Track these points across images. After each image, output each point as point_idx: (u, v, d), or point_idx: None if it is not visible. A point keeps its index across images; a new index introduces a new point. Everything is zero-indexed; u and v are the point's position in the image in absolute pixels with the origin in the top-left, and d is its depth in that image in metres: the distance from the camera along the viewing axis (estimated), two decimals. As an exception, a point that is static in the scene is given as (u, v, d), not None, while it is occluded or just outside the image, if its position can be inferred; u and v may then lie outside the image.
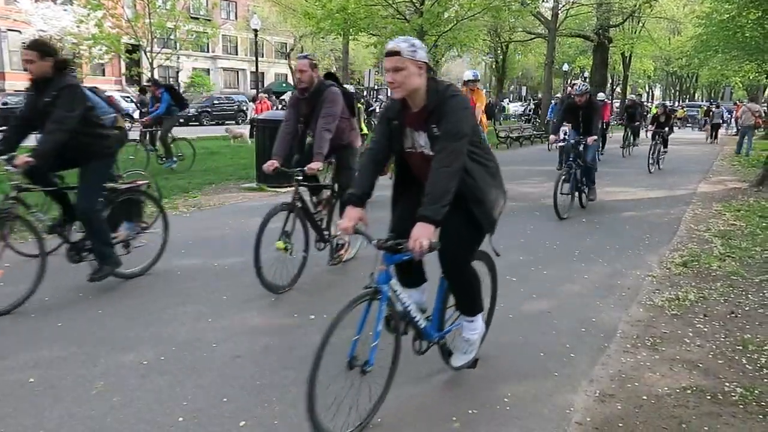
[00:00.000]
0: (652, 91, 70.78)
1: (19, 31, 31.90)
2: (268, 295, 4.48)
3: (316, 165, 4.61)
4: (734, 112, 27.03)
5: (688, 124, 37.48)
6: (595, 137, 8.18)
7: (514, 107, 44.13)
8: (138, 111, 18.32)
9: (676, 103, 53.95)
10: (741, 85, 41.43)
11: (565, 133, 9.69)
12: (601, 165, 14.19)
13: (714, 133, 24.96)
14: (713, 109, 26.83)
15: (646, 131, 16.89)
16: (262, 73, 42.57)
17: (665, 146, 13.76)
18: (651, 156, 13.05)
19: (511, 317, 4.18)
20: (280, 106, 21.97)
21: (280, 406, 2.93)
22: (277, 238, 4.51)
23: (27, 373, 3.19)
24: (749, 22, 19.56)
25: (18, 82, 30.94)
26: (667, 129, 13.59)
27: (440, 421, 2.82)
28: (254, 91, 31.78)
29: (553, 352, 3.61)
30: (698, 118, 35.93)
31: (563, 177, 7.90)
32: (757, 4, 17.44)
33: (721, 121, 25.23)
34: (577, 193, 8.25)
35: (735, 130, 23.27)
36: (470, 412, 2.90)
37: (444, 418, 2.84)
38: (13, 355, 3.42)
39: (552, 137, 8.96)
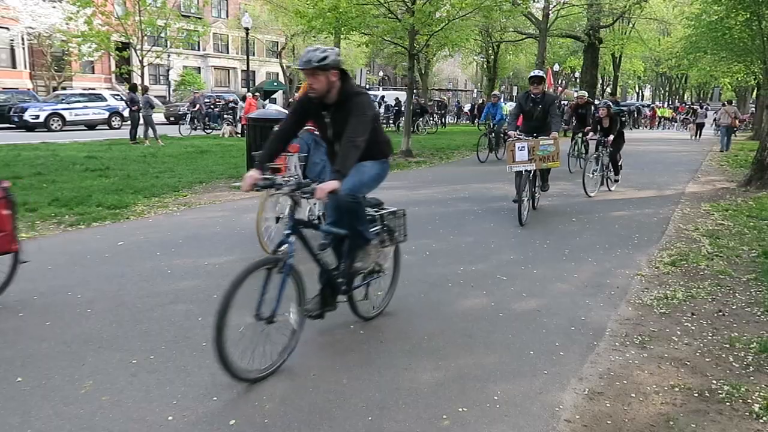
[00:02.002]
0: (642, 92, 71.24)
1: (7, 28, 31.59)
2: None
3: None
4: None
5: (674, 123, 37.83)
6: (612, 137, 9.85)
7: (510, 106, 44.20)
8: (128, 109, 18.20)
9: (666, 104, 54.35)
10: (730, 86, 41.82)
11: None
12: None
13: (698, 132, 26.76)
14: (698, 110, 29.47)
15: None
16: (254, 72, 42.47)
17: (615, 167, 10.19)
18: (590, 173, 9.63)
19: (501, 316, 4.20)
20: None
21: (270, 404, 2.92)
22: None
23: (14, 371, 3.17)
24: (737, 23, 19.74)
25: (6, 79, 30.65)
26: (611, 137, 9.65)
27: (430, 418, 2.83)
28: (245, 90, 31.69)
29: (542, 350, 3.63)
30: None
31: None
32: (745, 5, 17.60)
33: (704, 121, 27.42)
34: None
35: (715, 130, 25.03)
36: (460, 410, 2.91)
37: (434, 416, 2.85)
38: (0, 354, 3.39)
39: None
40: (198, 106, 22.75)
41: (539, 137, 7.35)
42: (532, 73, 8.33)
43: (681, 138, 27.70)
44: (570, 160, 12.57)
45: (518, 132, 7.93)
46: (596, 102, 18.23)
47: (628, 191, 10.24)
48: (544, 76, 8.72)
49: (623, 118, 10.59)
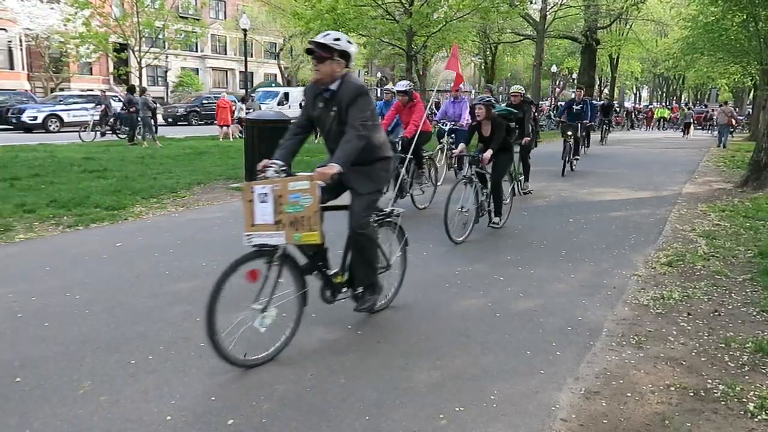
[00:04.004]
0: (639, 93, 71.39)
1: (5, 30, 31.57)
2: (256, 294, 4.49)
3: None
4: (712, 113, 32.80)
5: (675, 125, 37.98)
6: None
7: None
8: (126, 110, 18.19)
9: (663, 104, 54.40)
10: (727, 87, 41.94)
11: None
12: (584, 165, 14.31)
13: (686, 130, 29.06)
14: (686, 111, 32.72)
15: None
16: (252, 73, 42.42)
17: (498, 199, 6.86)
18: (457, 208, 6.41)
19: (498, 316, 4.22)
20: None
21: (268, 404, 2.94)
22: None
23: (13, 372, 3.18)
24: (734, 25, 19.81)
25: (4, 81, 30.61)
26: (489, 153, 6.40)
27: (427, 418, 2.84)
28: (242, 91, 31.72)
29: (539, 350, 3.65)
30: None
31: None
32: (741, 7, 17.66)
33: (692, 121, 30.18)
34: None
35: (714, 129, 27.24)
36: (457, 409, 2.93)
37: (431, 416, 2.86)
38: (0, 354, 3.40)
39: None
40: (104, 107, 19.94)
41: (290, 176, 3.48)
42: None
43: (677, 138, 27.78)
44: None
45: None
46: (586, 100, 17.89)
47: (625, 192, 10.26)
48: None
49: (516, 124, 7.95)
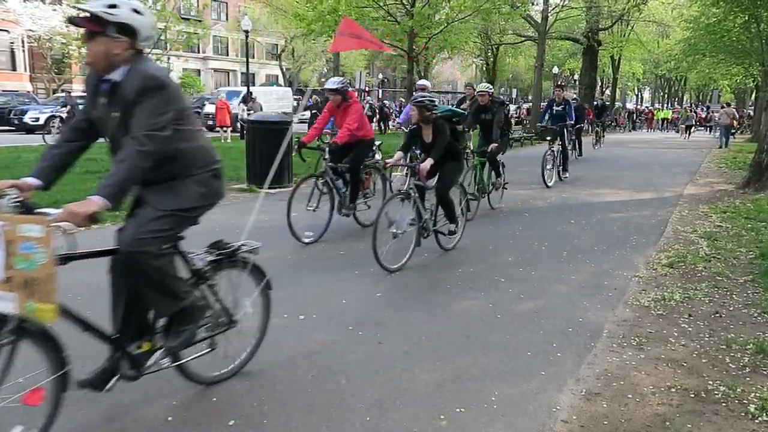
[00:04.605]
0: (641, 94, 71.36)
1: (7, 31, 31.63)
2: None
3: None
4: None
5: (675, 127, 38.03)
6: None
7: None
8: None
9: (665, 106, 54.38)
10: (729, 89, 41.91)
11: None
12: (585, 167, 14.31)
13: (687, 131, 29.56)
14: (688, 112, 33.21)
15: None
16: (253, 74, 42.47)
17: (450, 213, 5.90)
18: (393, 231, 5.39)
19: (499, 317, 4.22)
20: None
21: (269, 404, 2.94)
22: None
23: (14, 374, 3.18)
24: (736, 26, 19.80)
25: (6, 82, 30.67)
26: (428, 162, 5.42)
27: (428, 419, 2.85)
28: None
29: (540, 351, 3.65)
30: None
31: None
32: (743, 8, 17.65)
33: (693, 122, 30.81)
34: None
35: (716, 130, 27.42)
36: (458, 410, 2.93)
37: (432, 416, 2.87)
38: None
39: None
40: (69, 107, 18.52)
41: (38, 215, 2.36)
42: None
43: (678, 140, 27.79)
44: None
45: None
46: (575, 100, 17.06)
47: (626, 193, 10.26)
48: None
49: (464, 127, 7.20)
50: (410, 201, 5.44)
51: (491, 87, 8.46)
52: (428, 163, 5.39)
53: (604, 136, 21.47)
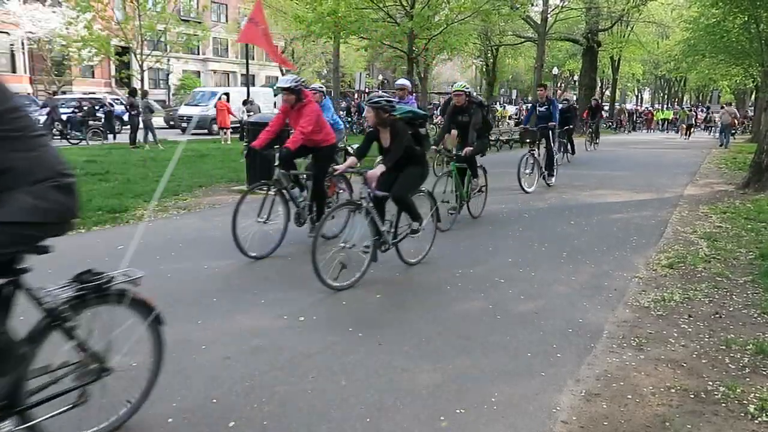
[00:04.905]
0: (641, 95, 71.38)
1: (7, 33, 31.67)
2: (258, 296, 4.51)
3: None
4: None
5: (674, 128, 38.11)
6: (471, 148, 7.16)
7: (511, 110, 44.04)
8: (128, 114, 18.22)
9: (664, 107, 54.42)
10: (729, 89, 41.92)
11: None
12: (585, 167, 14.32)
13: (688, 132, 29.65)
14: (687, 113, 32.92)
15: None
16: (253, 76, 42.48)
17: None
18: (336, 252, 4.95)
19: (499, 318, 4.22)
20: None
21: (269, 406, 2.95)
22: None
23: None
24: (735, 26, 19.81)
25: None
26: (380, 169, 4.97)
27: (428, 420, 2.85)
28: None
29: (540, 352, 3.66)
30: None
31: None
32: (742, 9, 17.67)
33: (693, 122, 30.82)
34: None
35: (716, 130, 27.63)
36: (458, 411, 2.94)
37: (432, 418, 2.87)
38: None
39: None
40: (50, 110, 18.44)
41: None
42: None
43: (678, 140, 27.82)
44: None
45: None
46: (567, 100, 16.50)
47: (627, 194, 10.26)
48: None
49: (426, 129, 6.00)
50: (362, 212, 4.90)
51: (468, 86, 7.63)
52: (378, 170, 4.86)
53: (598, 138, 20.87)
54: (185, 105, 25.55)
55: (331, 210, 5.07)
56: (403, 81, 9.61)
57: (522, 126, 12.23)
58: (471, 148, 7.18)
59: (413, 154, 5.26)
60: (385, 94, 5.43)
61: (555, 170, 11.16)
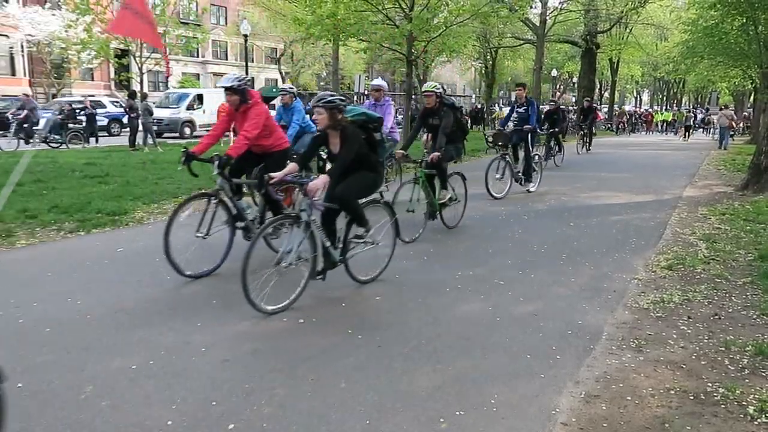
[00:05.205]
0: (640, 96, 71.47)
1: (6, 36, 31.68)
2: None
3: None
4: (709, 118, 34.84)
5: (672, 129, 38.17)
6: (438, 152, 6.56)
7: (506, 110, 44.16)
8: (127, 116, 18.21)
9: (663, 108, 54.46)
10: (727, 91, 41.97)
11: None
12: (585, 169, 14.32)
13: (687, 133, 29.89)
14: (686, 114, 33.66)
15: None
16: (253, 78, 42.50)
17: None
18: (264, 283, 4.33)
19: (498, 320, 4.23)
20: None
21: (269, 408, 2.95)
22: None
23: (15, 378, 3.19)
24: (733, 28, 19.84)
25: (6, 87, 30.69)
26: (321, 180, 4.42)
27: (428, 422, 2.85)
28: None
29: (539, 353, 3.66)
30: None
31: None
32: (741, 11, 17.69)
33: (692, 124, 31.40)
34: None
35: (715, 132, 28.45)
36: (457, 413, 2.94)
37: (431, 419, 2.87)
38: (1, 360, 3.41)
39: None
40: (26, 112, 17.19)
41: None
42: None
43: (677, 142, 27.86)
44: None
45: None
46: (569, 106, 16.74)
47: (626, 195, 10.27)
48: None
49: (381, 132, 5.24)
50: (300, 225, 4.35)
51: (439, 86, 7.04)
52: (322, 180, 4.29)
53: (591, 141, 19.86)
54: (157, 107, 25.34)
55: (265, 225, 4.50)
56: (379, 81, 8.91)
57: (497, 128, 11.74)
58: (438, 154, 6.56)
59: (366, 160, 4.75)
60: (336, 93, 4.74)
61: (539, 176, 10.55)
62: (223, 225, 5.26)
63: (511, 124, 10.17)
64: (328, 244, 4.61)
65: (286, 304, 4.29)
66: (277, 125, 5.97)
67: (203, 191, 5.33)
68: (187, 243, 5.00)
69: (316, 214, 4.54)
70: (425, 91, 7.00)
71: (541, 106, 18.78)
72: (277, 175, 4.45)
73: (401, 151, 6.81)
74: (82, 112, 20.39)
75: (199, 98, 25.83)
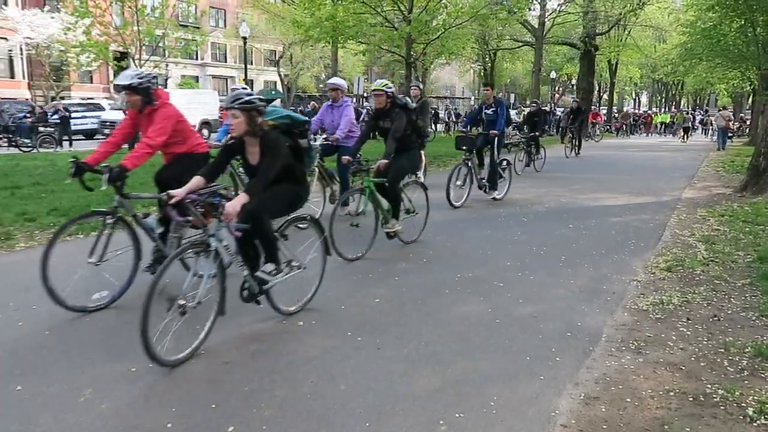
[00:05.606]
0: (638, 98, 71.56)
1: (5, 39, 31.70)
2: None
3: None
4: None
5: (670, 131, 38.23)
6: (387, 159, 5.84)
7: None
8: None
9: (662, 110, 54.51)
10: (726, 93, 42.07)
11: None
12: (584, 171, 14.33)
13: (685, 135, 29.91)
14: (684, 116, 33.52)
15: None
16: (251, 81, 42.59)
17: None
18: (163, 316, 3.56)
19: (498, 322, 4.23)
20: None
21: (269, 410, 2.95)
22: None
23: (14, 381, 3.19)
24: (732, 30, 19.88)
25: (5, 89, 30.71)
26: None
27: (427, 424, 2.85)
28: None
29: (539, 355, 3.66)
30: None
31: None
32: (739, 13, 17.74)
33: (690, 125, 31.28)
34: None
35: (714, 133, 28.71)
36: (457, 415, 2.94)
37: (431, 422, 2.87)
38: (0, 364, 3.41)
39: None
40: None
41: None
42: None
43: (676, 143, 27.90)
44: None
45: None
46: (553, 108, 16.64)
47: (625, 197, 10.28)
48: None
49: (308, 138, 4.52)
50: (209, 254, 3.57)
51: (391, 86, 6.25)
52: (239, 201, 3.58)
53: (581, 144, 19.01)
54: (111, 109, 24.94)
55: (172, 257, 3.52)
56: (337, 80, 7.96)
57: (459, 130, 10.97)
58: (386, 161, 5.81)
59: (291, 172, 4.07)
60: (253, 92, 4.00)
61: (507, 183, 9.79)
62: (126, 248, 4.50)
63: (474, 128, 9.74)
64: (246, 273, 3.89)
65: (187, 354, 3.46)
66: (193, 129, 5.12)
67: (96, 210, 4.56)
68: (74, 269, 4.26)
69: (231, 238, 3.85)
70: (374, 90, 6.18)
71: (542, 109, 18.42)
72: (178, 193, 3.65)
73: (347, 157, 6.18)
74: (55, 116, 19.91)
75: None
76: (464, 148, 8.91)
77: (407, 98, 6.93)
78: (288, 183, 4.08)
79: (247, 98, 3.75)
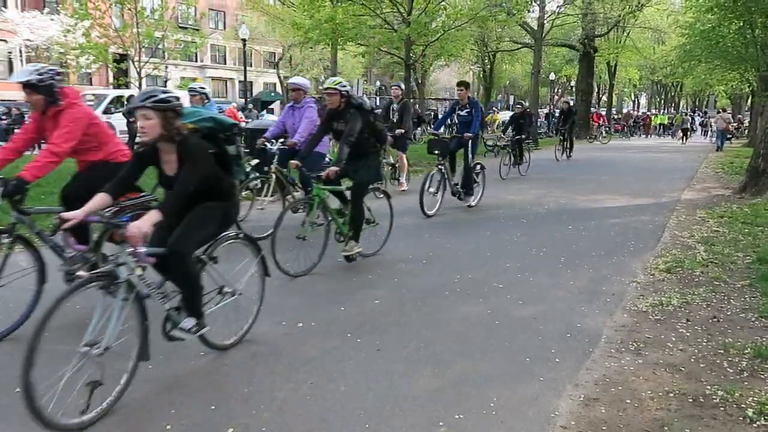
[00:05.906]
0: (638, 100, 71.63)
1: (5, 41, 31.72)
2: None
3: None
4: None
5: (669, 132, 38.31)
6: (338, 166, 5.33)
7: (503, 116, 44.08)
8: (126, 121, 18.21)
9: (661, 111, 54.58)
10: (725, 94, 42.12)
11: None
12: (583, 172, 14.34)
13: (684, 136, 29.97)
14: (683, 117, 33.68)
15: None
16: (251, 83, 42.58)
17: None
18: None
19: (497, 323, 4.23)
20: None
21: (268, 412, 2.95)
22: None
23: (13, 383, 3.18)
24: (731, 32, 19.91)
25: (5, 91, 30.72)
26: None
27: (427, 425, 2.85)
28: (242, 101, 31.72)
29: (538, 356, 3.66)
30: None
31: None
32: (738, 14, 17.77)
33: (689, 126, 31.35)
34: None
35: (713, 134, 28.86)
36: (456, 416, 2.94)
37: (431, 423, 2.87)
38: (1, 365, 3.40)
39: None
40: None
41: None
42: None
43: (675, 145, 27.94)
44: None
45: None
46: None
47: (624, 198, 10.28)
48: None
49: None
50: (119, 289, 2.98)
51: (346, 84, 5.65)
52: (148, 221, 2.92)
53: (572, 146, 18.19)
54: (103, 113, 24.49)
55: (67, 291, 2.95)
56: (298, 80, 7.30)
57: (431, 132, 9.95)
58: (336, 169, 5.30)
59: (216, 186, 3.44)
60: (168, 89, 3.30)
61: (481, 189, 9.24)
62: (27, 270, 3.94)
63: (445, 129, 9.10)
64: (167, 307, 3.31)
65: (93, 417, 2.81)
66: (111, 133, 4.49)
67: None
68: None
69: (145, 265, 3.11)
70: (326, 89, 5.57)
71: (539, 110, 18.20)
72: (75, 215, 3.01)
73: (296, 161, 5.64)
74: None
75: (119, 101, 22.94)
76: (437, 152, 8.32)
77: (364, 98, 6.39)
78: (213, 200, 3.42)
79: (162, 96, 3.11)
